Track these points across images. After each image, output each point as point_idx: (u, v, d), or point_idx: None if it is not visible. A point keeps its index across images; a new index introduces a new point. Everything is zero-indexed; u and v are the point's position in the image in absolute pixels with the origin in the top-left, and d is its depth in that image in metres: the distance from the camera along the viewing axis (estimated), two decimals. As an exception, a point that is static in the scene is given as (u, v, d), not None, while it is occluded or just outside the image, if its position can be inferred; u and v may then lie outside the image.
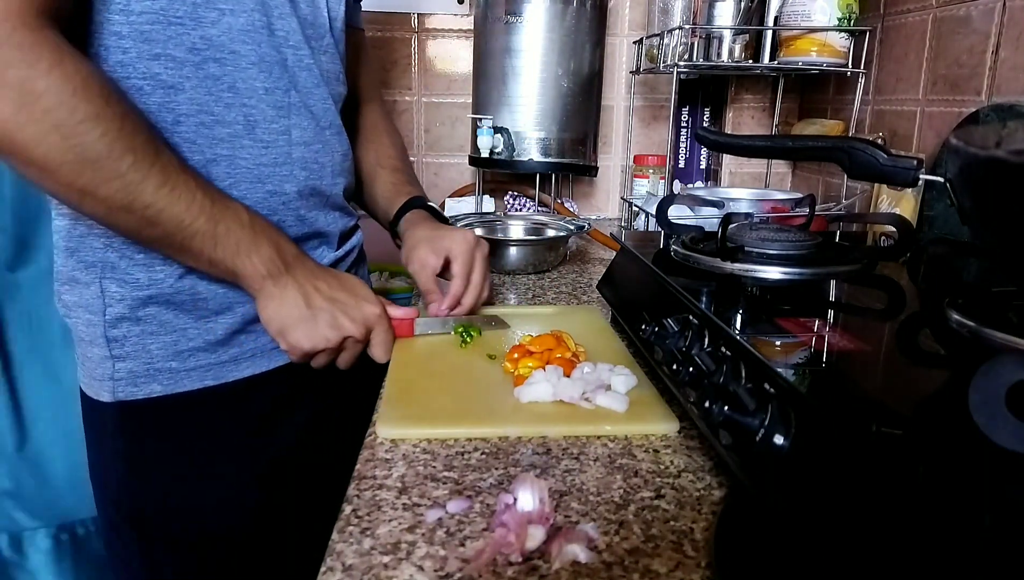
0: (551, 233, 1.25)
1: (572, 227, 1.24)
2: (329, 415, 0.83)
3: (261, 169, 0.72)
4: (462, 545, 0.46)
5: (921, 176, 0.64)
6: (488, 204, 1.54)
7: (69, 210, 0.68)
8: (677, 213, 0.91)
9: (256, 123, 0.71)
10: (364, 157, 0.94)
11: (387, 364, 0.74)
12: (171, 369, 0.71)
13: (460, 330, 0.80)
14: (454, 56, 1.57)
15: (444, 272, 0.85)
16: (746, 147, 0.90)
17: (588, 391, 0.65)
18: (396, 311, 0.77)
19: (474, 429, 0.61)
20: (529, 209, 1.53)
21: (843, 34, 1.19)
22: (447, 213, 1.47)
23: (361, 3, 0.94)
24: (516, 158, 1.35)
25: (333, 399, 0.82)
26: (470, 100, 1.46)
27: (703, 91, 1.61)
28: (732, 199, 1.20)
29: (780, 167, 1.60)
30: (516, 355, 0.71)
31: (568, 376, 0.67)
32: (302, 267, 0.71)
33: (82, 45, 0.61)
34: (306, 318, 0.69)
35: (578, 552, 0.44)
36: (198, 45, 0.66)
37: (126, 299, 0.69)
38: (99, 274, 0.69)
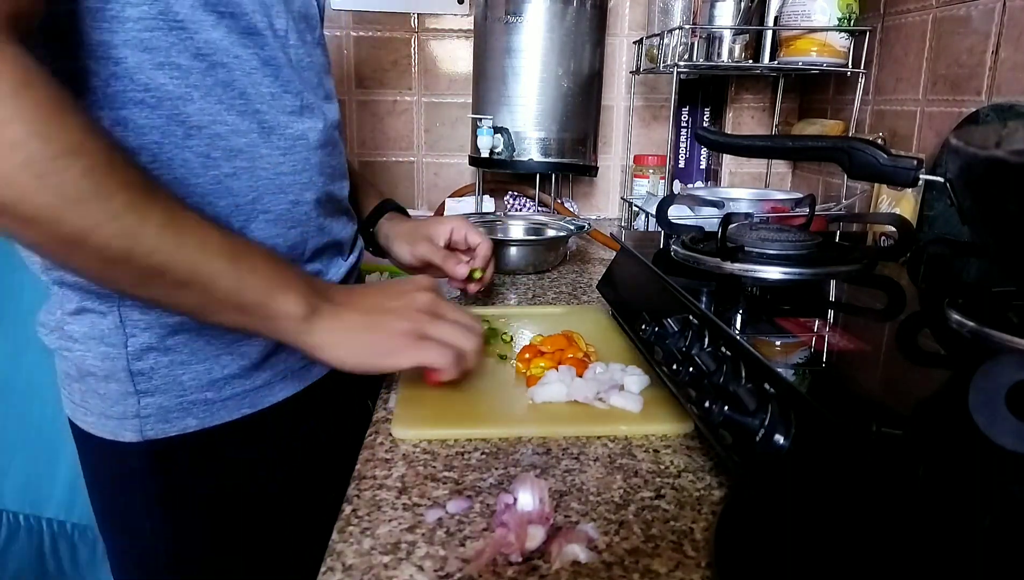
0: (551, 233, 1.24)
1: (572, 227, 1.24)
2: (344, 418, 0.79)
3: (282, 178, 0.66)
4: (462, 545, 0.46)
5: (921, 176, 0.64)
6: (488, 204, 1.54)
7: None
8: (677, 213, 0.91)
9: (272, 129, 0.65)
10: None
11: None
12: (206, 400, 0.65)
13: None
14: (454, 56, 1.57)
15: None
16: (746, 147, 0.89)
17: (602, 391, 0.65)
18: None
19: (489, 430, 0.60)
20: (529, 209, 1.53)
21: (843, 34, 1.19)
22: (447, 213, 1.48)
23: None
24: (516, 158, 1.35)
25: (346, 404, 0.80)
26: (470, 100, 1.46)
27: (703, 91, 1.61)
28: (732, 199, 1.20)
29: (780, 167, 1.60)
30: (528, 355, 0.71)
31: (581, 376, 0.67)
32: (331, 290, 0.63)
33: (66, 61, 0.55)
34: (386, 324, 0.61)
35: (578, 552, 0.44)
36: (203, 50, 0.60)
37: (152, 327, 0.62)
38: (117, 302, 0.62)
